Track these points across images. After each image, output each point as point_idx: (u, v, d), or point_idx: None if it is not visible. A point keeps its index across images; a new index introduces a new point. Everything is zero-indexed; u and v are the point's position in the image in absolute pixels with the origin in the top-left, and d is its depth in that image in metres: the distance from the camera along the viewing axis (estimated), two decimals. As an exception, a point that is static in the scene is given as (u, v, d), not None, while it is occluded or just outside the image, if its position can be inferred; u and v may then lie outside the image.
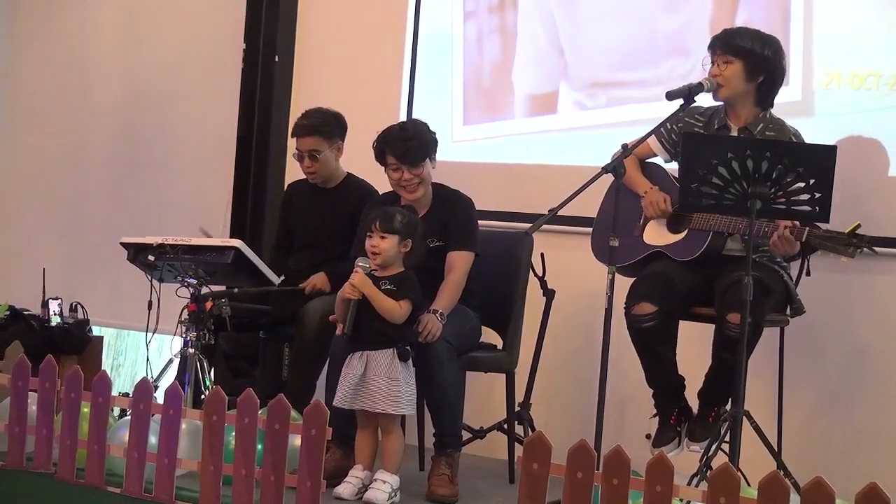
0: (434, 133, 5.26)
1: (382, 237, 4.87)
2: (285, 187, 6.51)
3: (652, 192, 5.15)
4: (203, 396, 5.07)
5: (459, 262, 5.14)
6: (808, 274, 5.06)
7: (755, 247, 4.74)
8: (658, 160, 5.31)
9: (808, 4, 5.61)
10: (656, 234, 5.14)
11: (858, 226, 4.64)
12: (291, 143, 6.01)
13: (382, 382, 4.77)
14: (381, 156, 5.22)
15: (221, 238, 6.02)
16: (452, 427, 5.09)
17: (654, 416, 5.12)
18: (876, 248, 4.78)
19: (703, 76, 5.03)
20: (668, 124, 5.10)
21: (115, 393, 4.72)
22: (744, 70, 4.98)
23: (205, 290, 5.40)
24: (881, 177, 5.42)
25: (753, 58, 4.97)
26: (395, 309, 4.83)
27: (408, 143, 5.14)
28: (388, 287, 4.86)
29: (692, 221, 5.00)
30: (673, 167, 5.22)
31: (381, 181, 5.40)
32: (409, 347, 4.83)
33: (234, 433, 4.31)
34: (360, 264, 4.87)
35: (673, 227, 5.11)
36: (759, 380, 5.18)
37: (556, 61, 6.36)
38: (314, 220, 5.87)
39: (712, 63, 5.02)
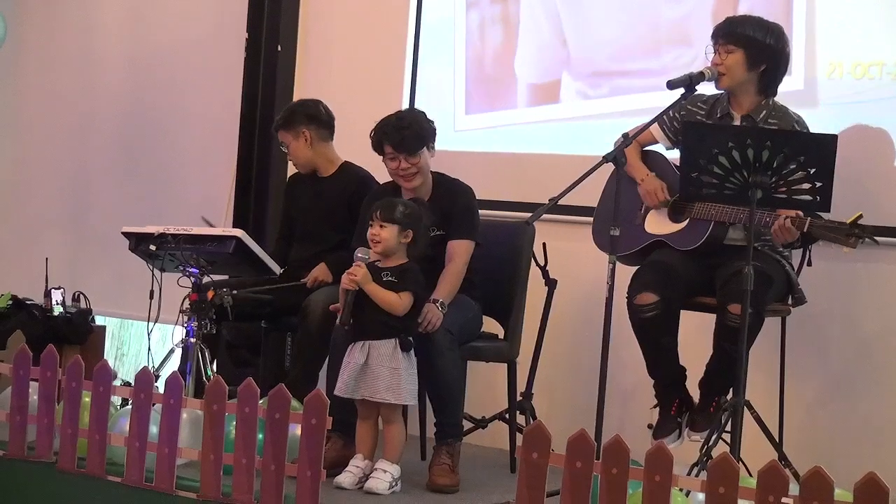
0: (432, 122, 5.27)
1: (382, 226, 4.87)
2: (288, 177, 6.53)
3: (649, 179, 5.14)
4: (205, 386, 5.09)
5: (459, 251, 5.14)
6: (809, 264, 5.06)
7: (757, 236, 4.74)
8: (659, 147, 5.30)
9: (811, -7, 5.61)
10: (657, 223, 5.13)
11: (860, 216, 4.62)
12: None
13: (384, 372, 4.78)
14: (378, 145, 5.23)
15: (223, 227, 6.02)
16: (453, 417, 5.09)
17: (655, 406, 5.12)
18: (878, 238, 4.77)
19: (706, 65, 5.03)
20: (670, 112, 5.09)
21: (117, 382, 4.72)
22: (745, 59, 4.96)
23: (206, 279, 5.41)
24: (887, 166, 5.40)
25: (755, 46, 4.96)
26: (395, 302, 4.82)
27: (403, 132, 5.15)
28: (390, 279, 4.86)
29: (693, 211, 5.00)
30: (674, 155, 5.21)
31: (383, 169, 5.40)
32: (410, 338, 4.83)
33: (234, 422, 4.31)
34: (360, 255, 4.87)
35: (674, 216, 5.10)
36: (761, 370, 5.18)
37: (558, 50, 6.36)
38: (313, 210, 5.88)
39: (715, 52, 5.01)
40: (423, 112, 5.36)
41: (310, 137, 5.86)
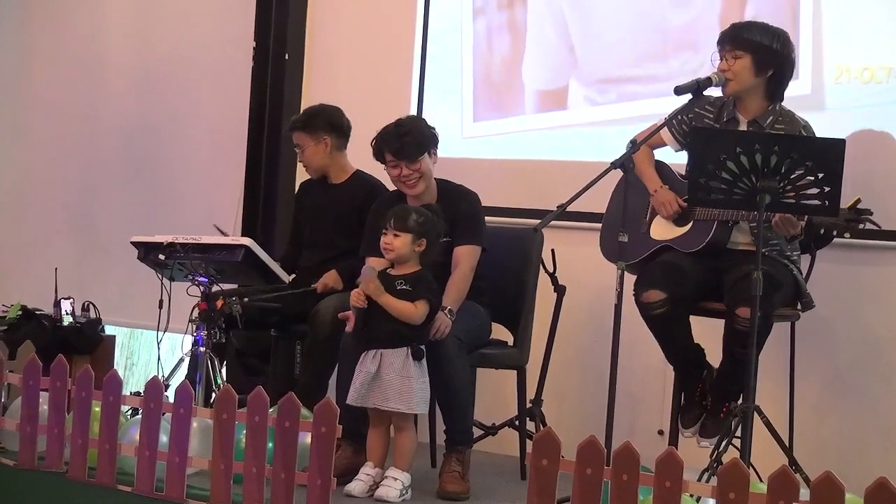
0: (433, 128, 5.28)
1: (396, 235, 4.87)
2: (296, 185, 6.53)
3: (662, 191, 5.14)
4: (214, 394, 5.09)
5: (465, 257, 5.14)
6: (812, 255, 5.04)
7: (765, 241, 4.73)
8: (668, 150, 5.29)
9: (818, -3, 5.61)
10: (663, 229, 5.13)
11: (859, 200, 4.65)
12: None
13: (396, 381, 4.78)
14: (378, 153, 5.26)
15: (232, 236, 6.02)
16: (463, 424, 5.09)
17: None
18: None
19: (712, 71, 5.02)
20: (679, 115, 5.09)
21: (127, 392, 4.73)
22: (752, 64, 4.96)
23: (215, 288, 5.41)
24: (891, 170, 5.40)
25: (762, 51, 4.96)
26: (411, 311, 4.82)
27: (402, 139, 5.17)
28: (404, 287, 4.85)
29: (697, 212, 5.00)
30: (682, 159, 5.20)
31: (383, 174, 5.42)
32: (422, 346, 4.83)
33: (244, 431, 4.31)
34: (368, 273, 4.86)
35: (679, 220, 5.10)
36: (771, 375, 5.17)
37: (565, 57, 6.36)
38: (323, 217, 5.88)
39: (721, 58, 5.01)
40: (423, 119, 5.38)
41: (329, 145, 5.86)
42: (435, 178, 5.28)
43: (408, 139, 5.18)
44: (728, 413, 4.85)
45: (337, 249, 5.75)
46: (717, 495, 3.48)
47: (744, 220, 4.91)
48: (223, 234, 5.81)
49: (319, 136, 5.86)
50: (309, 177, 6.10)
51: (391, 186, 5.54)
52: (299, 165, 6.92)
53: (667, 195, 5.12)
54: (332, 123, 5.88)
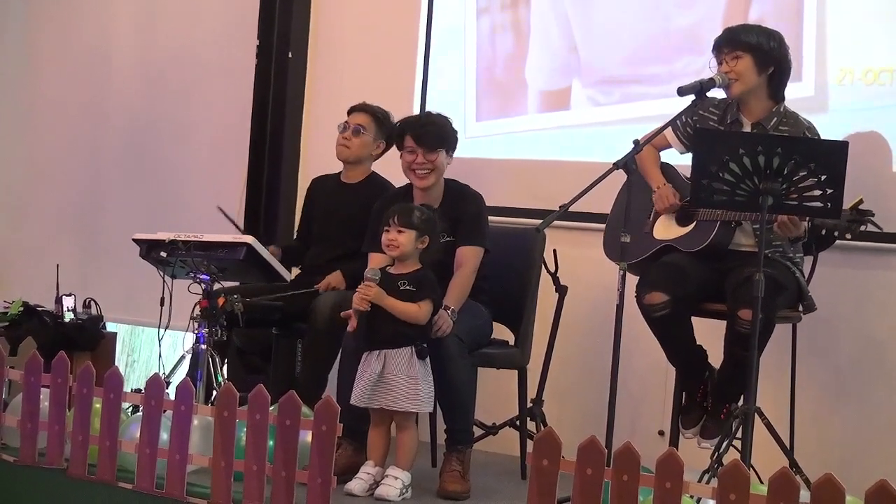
0: (456, 130, 5.32)
1: (400, 231, 4.87)
2: (299, 182, 6.52)
3: (664, 188, 5.15)
4: (215, 392, 5.09)
5: (468, 257, 5.14)
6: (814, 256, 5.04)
7: (767, 242, 4.73)
8: (672, 152, 5.30)
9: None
10: (666, 229, 5.13)
11: (861, 201, 4.64)
12: (309, 137, 6.33)
13: (402, 381, 4.78)
14: (399, 136, 5.29)
15: (234, 234, 6.02)
16: (464, 423, 5.09)
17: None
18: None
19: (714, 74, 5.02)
20: (683, 117, 5.09)
21: (128, 389, 4.73)
22: (754, 63, 4.96)
23: (217, 286, 5.41)
24: (884, 172, 5.40)
25: (760, 50, 4.96)
26: (416, 312, 4.82)
27: (426, 127, 5.22)
28: (407, 288, 4.85)
29: (700, 213, 5.00)
30: (686, 160, 5.21)
31: (395, 178, 5.40)
32: (426, 345, 4.83)
33: (245, 429, 4.31)
34: (369, 276, 4.86)
35: (682, 220, 5.10)
36: (772, 377, 5.17)
37: (569, 57, 6.36)
38: (334, 215, 5.87)
39: (720, 63, 5.01)
40: (449, 117, 5.37)
41: (381, 149, 5.86)
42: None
43: (431, 128, 5.22)
44: (729, 414, 4.85)
45: (344, 248, 5.72)
46: (718, 496, 3.49)
47: (747, 221, 4.92)
48: (226, 215, 5.81)
49: (381, 137, 5.86)
50: (322, 173, 6.10)
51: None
52: (302, 164, 6.95)
53: (667, 191, 5.13)
54: (392, 134, 5.76)
